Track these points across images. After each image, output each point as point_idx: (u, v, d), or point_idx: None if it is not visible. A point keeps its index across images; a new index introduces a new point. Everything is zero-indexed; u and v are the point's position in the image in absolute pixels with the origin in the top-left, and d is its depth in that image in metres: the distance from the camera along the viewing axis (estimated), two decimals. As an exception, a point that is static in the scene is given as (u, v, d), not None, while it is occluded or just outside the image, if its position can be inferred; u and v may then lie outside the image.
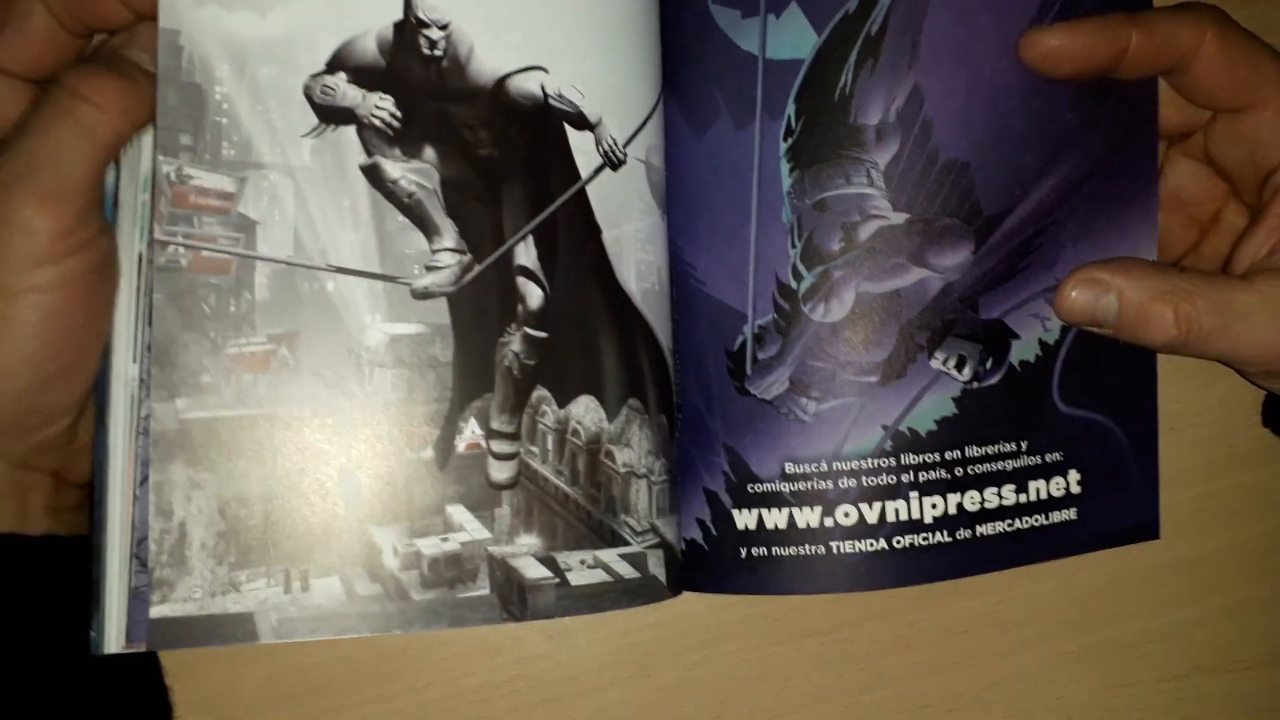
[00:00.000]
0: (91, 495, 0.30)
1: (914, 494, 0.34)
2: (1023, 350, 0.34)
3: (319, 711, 0.37)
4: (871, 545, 0.34)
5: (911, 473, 0.34)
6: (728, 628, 0.39)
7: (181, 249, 0.29)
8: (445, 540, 0.31)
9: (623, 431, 0.33)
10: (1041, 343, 0.35)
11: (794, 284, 0.34)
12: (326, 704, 0.37)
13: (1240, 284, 0.33)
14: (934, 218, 0.34)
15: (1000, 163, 0.34)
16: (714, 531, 0.35)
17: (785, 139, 0.34)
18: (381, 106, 0.31)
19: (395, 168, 0.31)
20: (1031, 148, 0.34)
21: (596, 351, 0.33)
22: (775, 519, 0.34)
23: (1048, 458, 0.35)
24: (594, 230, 0.33)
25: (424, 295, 0.31)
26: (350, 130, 0.31)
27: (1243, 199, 0.36)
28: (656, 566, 0.33)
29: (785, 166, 0.34)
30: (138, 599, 0.28)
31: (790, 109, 0.34)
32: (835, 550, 0.34)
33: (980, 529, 0.34)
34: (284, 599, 0.29)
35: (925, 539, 0.34)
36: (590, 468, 0.33)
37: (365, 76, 0.31)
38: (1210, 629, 0.42)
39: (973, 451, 0.34)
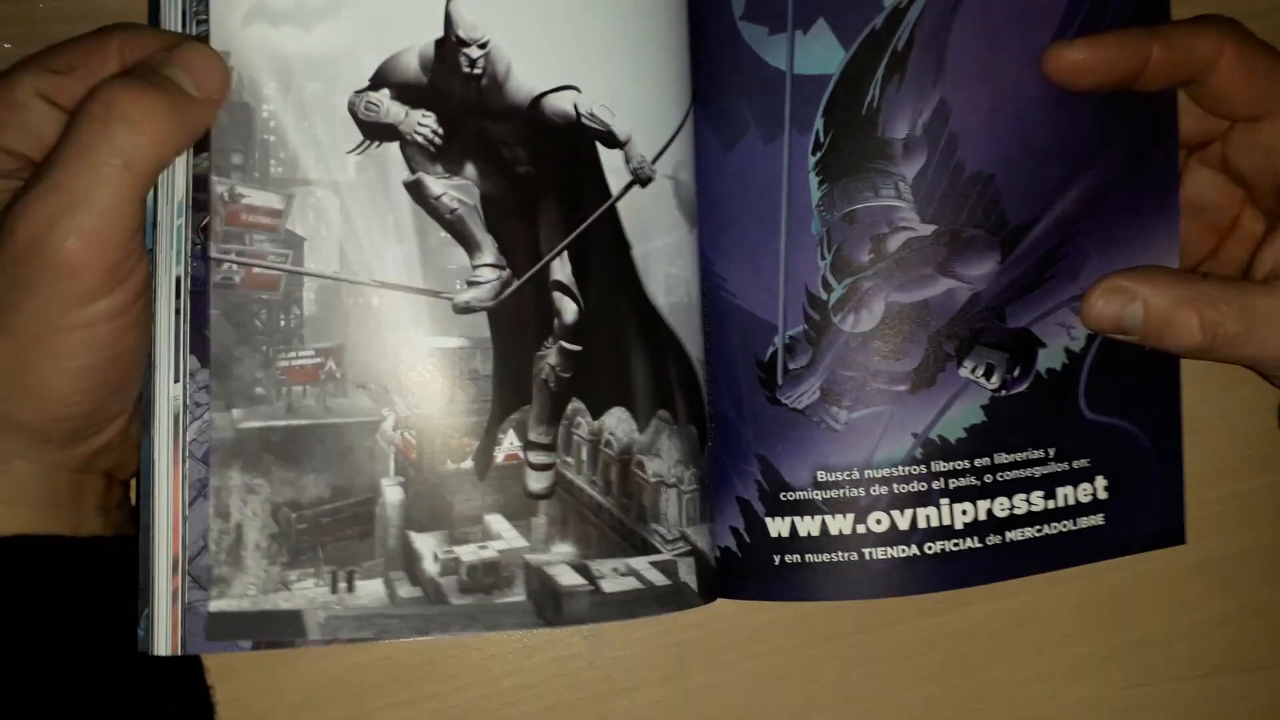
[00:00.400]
0: (138, 503, 0.29)
1: (945, 500, 0.33)
2: (1049, 358, 0.33)
3: (360, 712, 0.37)
4: (904, 551, 0.33)
5: (942, 480, 0.33)
6: (757, 630, 0.39)
7: (235, 266, 0.29)
8: (484, 548, 0.30)
9: (653, 442, 0.32)
10: (1068, 351, 0.34)
11: (824, 295, 0.33)
12: (367, 705, 0.37)
13: (1262, 289, 0.32)
14: (961, 229, 0.33)
15: (1025, 175, 0.33)
16: (747, 539, 0.34)
17: (814, 153, 0.33)
18: (424, 123, 0.30)
19: (437, 184, 0.30)
20: (1055, 160, 0.33)
21: (627, 364, 0.32)
22: (808, 526, 0.33)
23: (1075, 464, 0.34)
24: (624, 246, 0.33)
25: (465, 310, 0.30)
26: (394, 147, 0.30)
27: (1260, 205, 0.35)
28: (687, 574, 0.32)
29: (814, 180, 0.33)
30: (192, 612, 0.28)
31: (819, 123, 0.33)
32: (868, 556, 0.33)
33: (1010, 534, 0.33)
34: (330, 599, 0.29)
35: (956, 545, 0.33)
36: (622, 478, 0.32)
37: (408, 93, 0.30)
38: (1230, 629, 0.41)
39: (1002, 458, 0.33)
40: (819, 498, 0.33)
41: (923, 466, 0.33)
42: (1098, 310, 0.32)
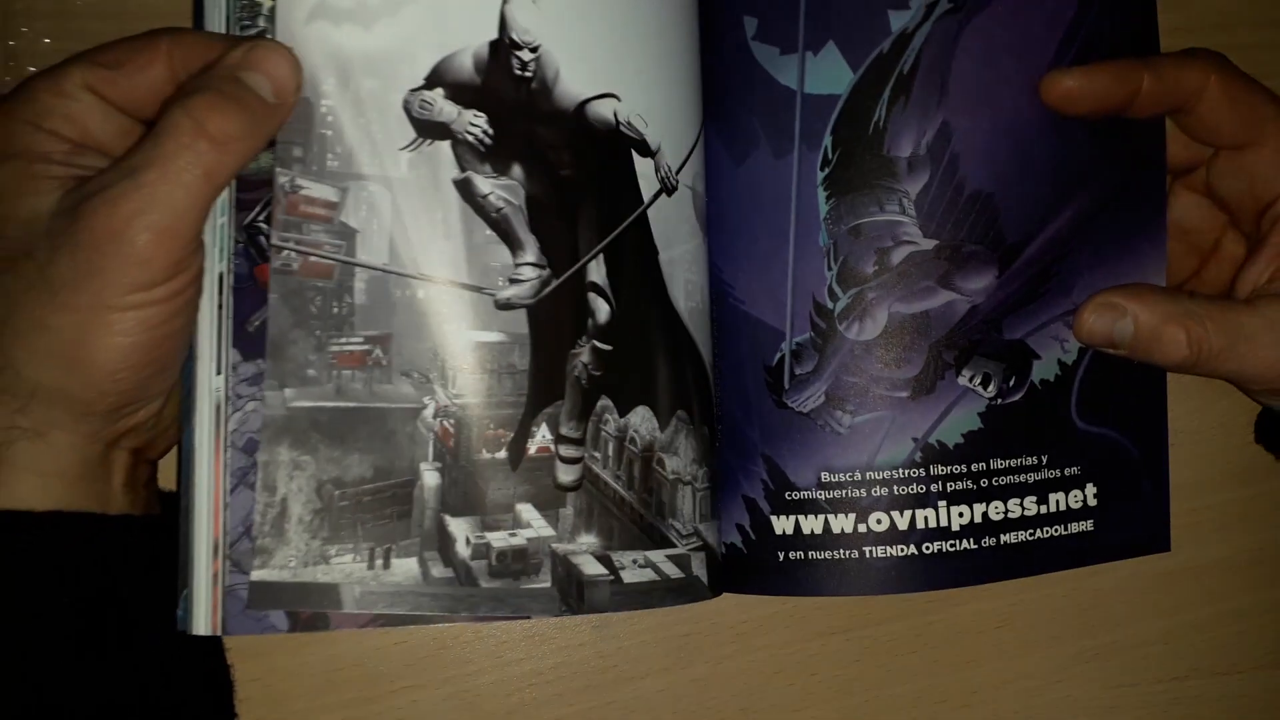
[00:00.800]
0: (178, 487, 0.29)
1: (942, 503, 0.33)
2: (1043, 370, 0.34)
3: (376, 694, 0.36)
4: (902, 550, 0.33)
5: (940, 483, 0.33)
6: (757, 624, 0.38)
7: (293, 253, 0.29)
8: (513, 535, 0.30)
9: (672, 440, 0.32)
10: (1060, 363, 0.34)
11: (830, 304, 0.33)
12: (383, 688, 0.36)
13: (1245, 308, 0.33)
14: (961, 244, 0.33)
15: (1022, 194, 0.33)
16: (753, 536, 0.34)
17: (822, 169, 0.33)
18: (475, 123, 0.30)
19: (485, 183, 0.30)
20: (1050, 181, 0.33)
21: (652, 365, 0.32)
22: (812, 525, 0.33)
23: (1067, 471, 0.34)
24: (652, 251, 0.32)
25: (506, 306, 0.30)
26: (445, 145, 0.30)
27: (1241, 229, 0.36)
28: (699, 568, 0.32)
29: (822, 194, 0.33)
30: (232, 595, 0.28)
31: (827, 140, 0.33)
32: (868, 555, 0.33)
33: (1005, 537, 0.33)
34: (367, 574, 0.29)
35: (953, 545, 0.33)
36: (644, 474, 0.32)
37: (461, 93, 0.30)
38: (1208, 634, 0.41)
39: (997, 464, 0.33)
40: (822, 497, 0.33)
41: (922, 470, 0.33)
42: (1090, 325, 0.33)
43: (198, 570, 0.28)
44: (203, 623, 0.28)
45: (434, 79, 0.30)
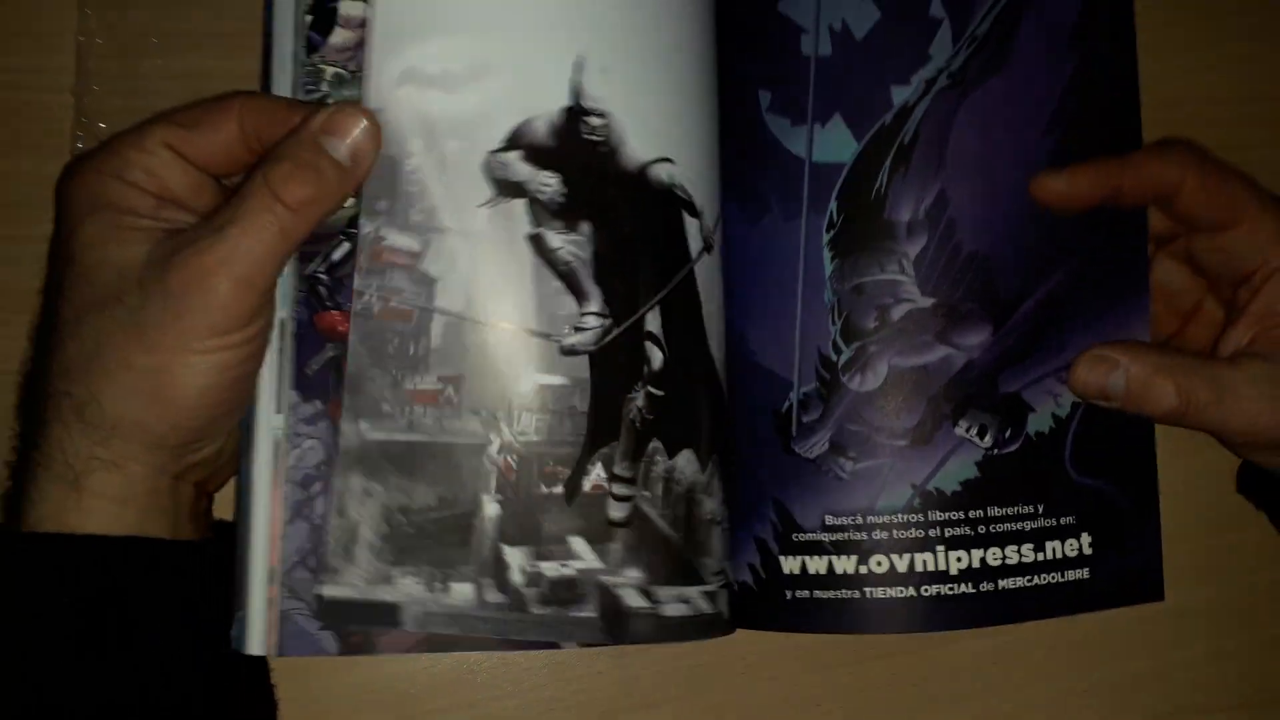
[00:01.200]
0: (235, 518, 0.30)
1: (941, 547, 0.33)
2: (1038, 422, 0.34)
3: (404, 716, 0.37)
4: (901, 592, 0.33)
5: (938, 528, 0.33)
6: (766, 657, 0.38)
7: (374, 298, 0.29)
8: (564, 565, 0.30)
9: (709, 482, 0.33)
10: (1055, 416, 0.34)
11: (834, 357, 0.34)
12: (410, 710, 0.37)
13: (1229, 364, 0.33)
14: (957, 303, 0.34)
15: (1015, 256, 0.34)
16: (763, 575, 0.34)
17: (828, 231, 0.34)
18: (548, 183, 0.31)
19: (556, 238, 0.31)
20: (1042, 245, 0.34)
21: (697, 411, 0.33)
22: (817, 565, 0.33)
23: (1062, 520, 0.34)
24: (697, 304, 0.33)
25: (570, 352, 0.31)
26: (520, 203, 0.31)
27: (1219, 295, 0.37)
28: (724, 604, 0.33)
29: (827, 255, 0.34)
30: (287, 620, 0.29)
31: (833, 205, 0.34)
32: (869, 595, 0.33)
33: (1002, 583, 0.33)
34: (427, 596, 0.29)
35: (951, 589, 0.33)
36: (686, 513, 0.32)
37: (537, 155, 0.31)
38: (1193, 673, 0.41)
39: (994, 511, 0.33)
40: (827, 539, 0.34)
41: (920, 515, 0.33)
42: (1084, 378, 0.33)
43: (254, 595, 0.29)
44: (258, 643, 0.29)
45: (512, 141, 0.30)
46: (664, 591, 0.31)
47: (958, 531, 0.33)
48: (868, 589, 0.33)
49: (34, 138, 0.36)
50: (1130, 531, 0.35)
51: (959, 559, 0.33)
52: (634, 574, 0.31)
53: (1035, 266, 0.34)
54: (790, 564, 0.34)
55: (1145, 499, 0.35)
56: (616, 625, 0.31)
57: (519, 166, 0.30)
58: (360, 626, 0.29)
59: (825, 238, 0.34)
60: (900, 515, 0.33)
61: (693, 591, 0.32)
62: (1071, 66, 0.34)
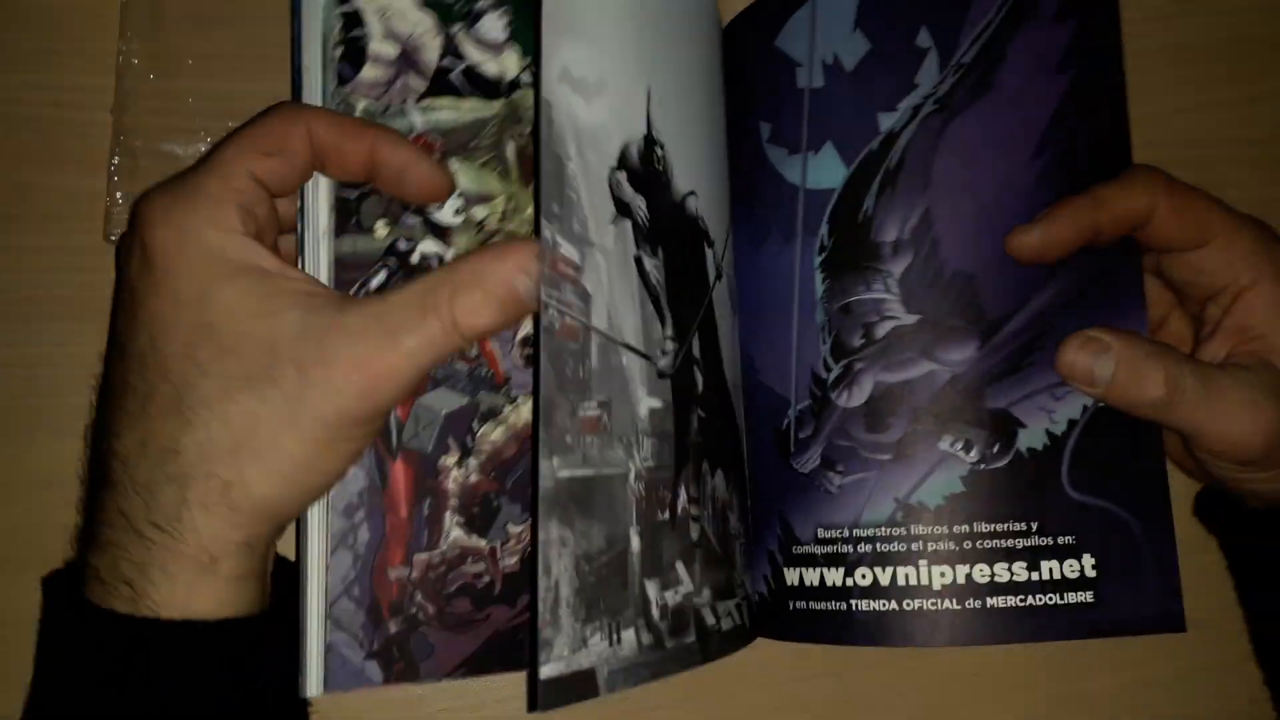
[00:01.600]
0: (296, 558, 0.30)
1: (923, 562, 0.32)
2: (1031, 438, 0.33)
3: (414, 718, 0.37)
4: (884, 605, 0.32)
5: (920, 542, 0.32)
6: (757, 664, 0.38)
7: (556, 313, 0.27)
8: (676, 593, 0.29)
9: (734, 500, 0.33)
10: (1049, 433, 0.33)
11: (824, 374, 0.34)
12: (419, 711, 0.37)
13: (1216, 366, 0.32)
14: (942, 319, 0.33)
15: (1001, 275, 0.33)
16: (773, 586, 0.35)
17: (820, 254, 0.35)
18: (641, 207, 0.30)
19: (648, 261, 0.30)
20: (1031, 264, 0.33)
21: (725, 431, 0.33)
22: (811, 577, 0.34)
23: (1060, 540, 0.32)
24: (714, 328, 0.34)
25: (662, 375, 0.30)
26: (628, 223, 0.30)
27: (1187, 310, 0.36)
28: (747, 614, 0.33)
29: (819, 276, 0.35)
30: (333, 653, 0.28)
31: (824, 229, 0.35)
32: (854, 608, 0.33)
33: (991, 601, 0.32)
34: (608, 652, 0.26)
35: (934, 604, 0.32)
36: (724, 530, 0.32)
37: (635, 179, 0.30)
38: (1163, 690, 0.40)
39: (981, 527, 0.32)
40: (819, 552, 0.34)
41: (903, 529, 0.33)
42: (1071, 358, 0.32)
43: (310, 637, 0.28)
44: (314, 685, 0.27)
45: (622, 161, 0.30)
46: (720, 606, 0.31)
47: (941, 546, 0.32)
48: (853, 601, 0.33)
49: (74, 154, 0.36)
50: (1140, 556, 0.32)
51: (942, 574, 0.32)
52: (707, 593, 0.31)
53: (1024, 283, 0.33)
54: (791, 576, 0.34)
55: (1157, 523, 0.32)
56: (706, 647, 0.30)
57: (626, 187, 0.29)
58: (562, 701, 0.25)
59: (817, 260, 0.35)
60: (883, 529, 0.33)
61: (732, 605, 0.32)
62: (1061, 90, 0.34)
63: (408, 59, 0.31)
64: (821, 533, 0.34)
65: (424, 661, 0.29)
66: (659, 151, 0.31)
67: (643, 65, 0.31)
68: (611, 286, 0.29)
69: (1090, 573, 0.32)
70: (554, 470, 0.26)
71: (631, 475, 0.28)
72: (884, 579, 0.33)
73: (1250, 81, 0.43)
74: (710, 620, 0.31)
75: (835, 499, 0.34)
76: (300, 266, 0.29)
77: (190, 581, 0.25)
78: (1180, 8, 0.44)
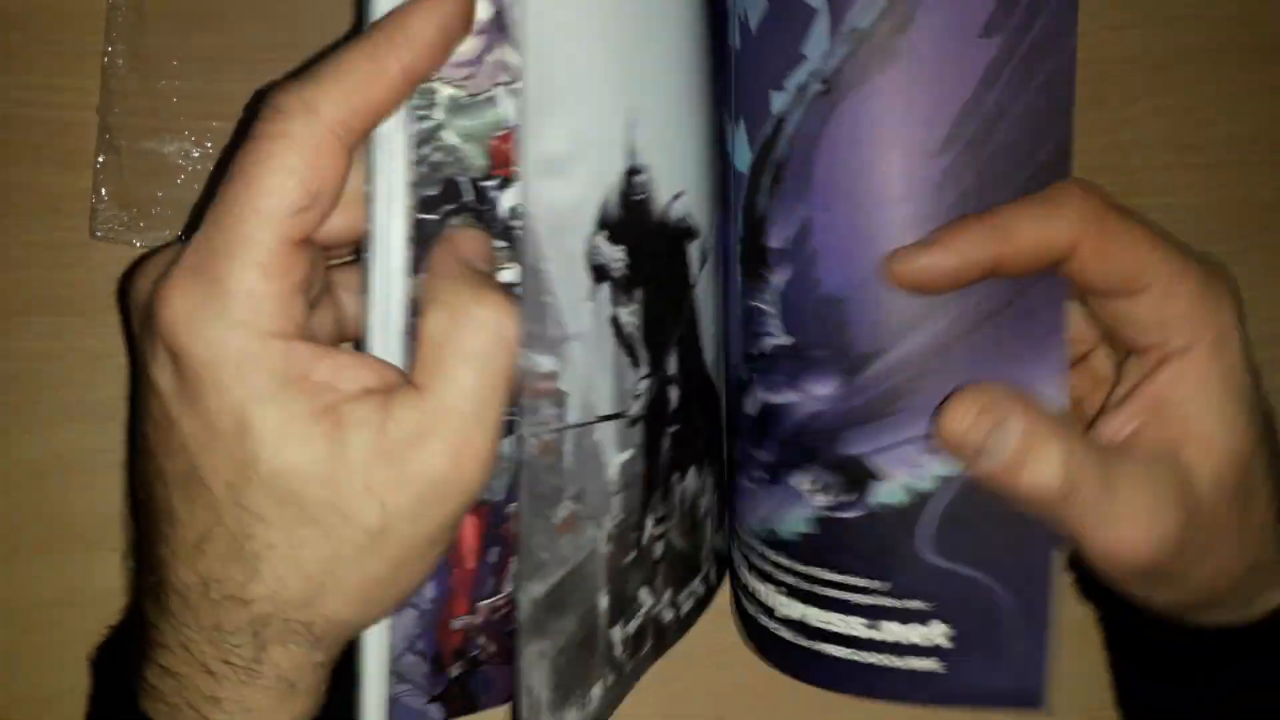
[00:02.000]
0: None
1: (773, 587, 0.31)
2: (887, 494, 0.28)
3: None
4: (755, 611, 0.33)
5: (774, 567, 0.31)
6: (730, 648, 0.37)
7: (533, 440, 0.25)
8: (637, 618, 0.30)
9: (704, 485, 0.33)
10: (911, 490, 0.28)
11: (741, 378, 0.33)
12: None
13: (1119, 456, 0.26)
14: (809, 346, 0.29)
15: (875, 304, 0.27)
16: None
17: (739, 244, 0.32)
18: (619, 259, 0.27)
19: (623, 314, 0.28)
20: (908, 297, 0.26)
21: (699, 430, 0.32)
22: (738, 559, 0.34)
23: (909, 604, 0.28)
24: (695, 324, 0.32)
25: (634, 423, 0.28)
26: (606, 286, 0.27)
27: (1114, 346, 0.29)
28: (713, 573, 0.34)
29: (739, 269, 0.32)
30: (397, 704, 0.27)
31: (740, 217, 0.32)
32: (746, 609, 0.34)
33: (823, 647, 0.30)
34: (580, 714, 0.27)
35: (776, 629, 0.31)
36: (690, 521, 0.32)
37: (615, 231, 0.27)
38: None
39: (823, 574, 0.30)
40: (736, 547, 0.34)
41: (767, 548, 0.32)
42: (961, 424, 0.26)
43: (371, 695, 0.26)
44: None
45: (601, 222, 0.26)
46: (681, 596, 0.32)
47: (789, 580, 0.31)
48: (742, 600, 0.34)
49: (58, 153, 0.36)
50: (1006, 630, 0.27)
51: (784, 605, 0.31)
52: (667, 595, 0.31)
53: (899, 317, 0.27)
54: (735, 553, 0.35)
55: (1034, 598, 0.26)
56: (660, 646, 0.31)
57: (604, 248, 0.26)
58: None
59: (738, 251, 0.32)
60: (757, 543, 0.32)
61: (696, 583, 0.33)
62: (983, 63, 0.24)
63: (500, 22, 0.24)
64: (736, 526, 0.34)
65: (483, 695, 0.28)
66: (639, 179, 0.28)
67: (621, 92, 0.27)
68: (590, 368, 0.26)
69: (943, 642, 0.28)
70: (531, 596, 0.25)
71: (601, 543, 0.27)
72: (753, 585, 0.33)
73: (1197, 89, 0.39)
74: (669, 616, 0.31)
75: (742, 499, 0.33)
76: (365, 333, 0.24)
77: (270, 707, 0.24)
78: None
